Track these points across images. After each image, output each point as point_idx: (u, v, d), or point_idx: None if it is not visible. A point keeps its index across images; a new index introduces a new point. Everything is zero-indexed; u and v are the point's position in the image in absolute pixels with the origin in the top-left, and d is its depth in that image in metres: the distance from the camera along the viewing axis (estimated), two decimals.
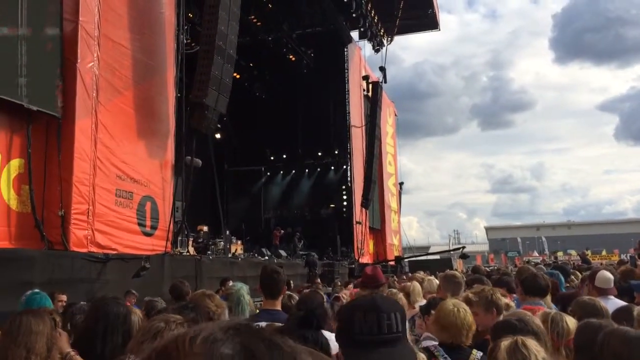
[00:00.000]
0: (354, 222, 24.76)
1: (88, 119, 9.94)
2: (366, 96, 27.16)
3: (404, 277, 13.37)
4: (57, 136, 9.30)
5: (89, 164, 9.88)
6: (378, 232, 28.73)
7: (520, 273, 5.60)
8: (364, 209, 25.19)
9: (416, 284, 5.66)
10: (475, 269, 9.36)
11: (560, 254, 46.96)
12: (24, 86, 8.59)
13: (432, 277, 6.74)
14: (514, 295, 5.02)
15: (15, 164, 8.91)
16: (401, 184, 33.98)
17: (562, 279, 6.61)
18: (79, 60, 9.75)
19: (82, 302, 4.70)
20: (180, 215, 12.98)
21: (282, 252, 20.76)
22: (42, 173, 9.23)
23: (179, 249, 12.75)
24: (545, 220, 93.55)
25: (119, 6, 11.01)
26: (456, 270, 9.68)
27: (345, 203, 27.42)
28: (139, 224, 11.18)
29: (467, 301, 3.32)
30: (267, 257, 17.29)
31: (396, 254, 29.79)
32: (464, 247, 24.19)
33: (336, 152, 27.97)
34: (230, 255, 15.76)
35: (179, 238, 12.99)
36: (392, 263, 26.63)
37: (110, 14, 10.70)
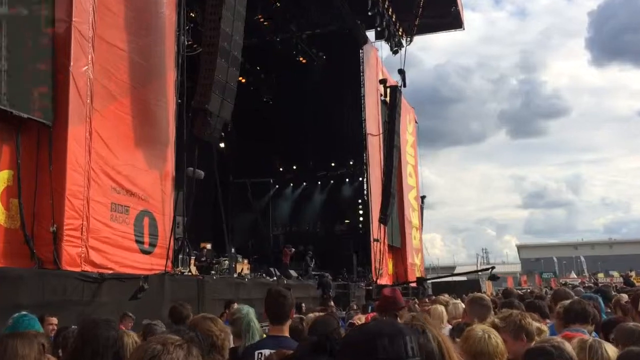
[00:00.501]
0: (372, 240, 24.82)
1: (82, 127, 10.03)
2: (384, 101, 27.20)
3: (427, 300, 13.51)
4: (48, 145, 9.36)
5: (83, 175, 9.96)
6: (398, 251, 28.75)
7: (556, 296, 5.52)
8: (382, 225, 25.25)
9: (439, 308, 5.62)
10: (506, 292, 9.25)
11: (601, 275, 46.50)
12: (8, 92, 8.64)
13: (458, 301, 6.68)
14: (548, 320, 4.95)
15: (4, 175, 8.97)
16: (423, 197, 33.99)
17: (603, 303, 6.51)
18: (72, 64, 9.85)
19: (73, 326, 4.70)
20: (181, 232, 13.07)
21: (293, 273, 20.82)
22: (33, 185, 9.28)
23: (179, 268, 12.82)
24: (583, 238, 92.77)
25: (115, 5, 11.09)
26: (485, 293, 9.57)
27: (361, 219, 27.52)
28: (137, 241, 11.26)
29: (494, 327, 3.29)
30: (275, 278, 17.30)
31: (418, 274, 29.79)
32: (493, 268, 23.93)
33: (351, 162, 28.12)
34: (235, 276, 15.85)
35: (180, 256, 13.07)
36: (413, 285, 26.65)
37: (106, 14, 10.77)
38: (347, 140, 27.26)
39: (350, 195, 28.60)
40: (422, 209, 33.19)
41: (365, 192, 26.79)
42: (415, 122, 34.56)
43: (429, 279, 29.60)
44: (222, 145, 25.12)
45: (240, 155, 27.50)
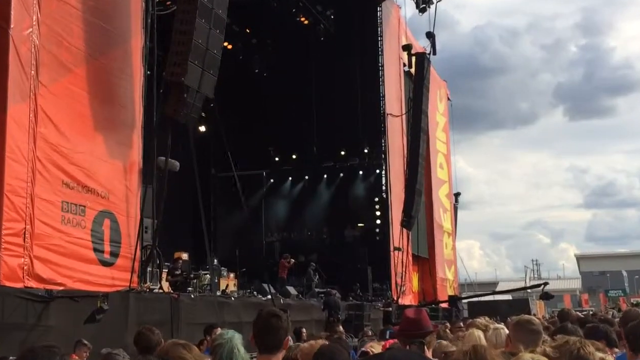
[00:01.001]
0: (391, 249, 24.92)
1: (24, 105, 10.04)
2: (407, 73, 27.50)
3: (461, 324, 13.37)
4: None
5: (26, 167, 9.95)
6: (425, 263, 28.82)
7: (626, 319, 5.49)
8: (405, 231, 25.25)
9: (476, 333, 5.60)
10: (562, 314, 9.20)
11: None
12: None
13: (501, 325, 6.66)
14: (616, 350, 4.94)
15: None
16: (457, 195, 33.85)
17: None
18: (12, 26, 9.85)
19: (12, 358, 4.73)
20: (151, 238, 13.16)
21: (292, 290, 20.99)
22: None
23: (148, 284, 12.90)
24: None
25: None
26: (535, 315, 9.54)
27: (378, 222, 27.52)
28: (95, 250, 11.31)
29: (545, 357, 3.28)
30: (270, 297, 17.22)
31: (450, 292, 29.82)
32: (546, 284, 23.72)
33: (366, 150, 28.14)
34: (219, 294, 15.96)
35: (149, 269, 13.13)
36: (444, 305, 26.69)
37: None
38: (361, 122, 26.90)
39: (365, 193, 28.60)
40: (455, 209, 33.12)
41: (383, 188, 26.81)
42: (448, 99, 34.38)
43: (464, 298, 29.58)
44: (202, 128, 25.18)
45: (225, 142, 26.99)
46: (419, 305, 23.69)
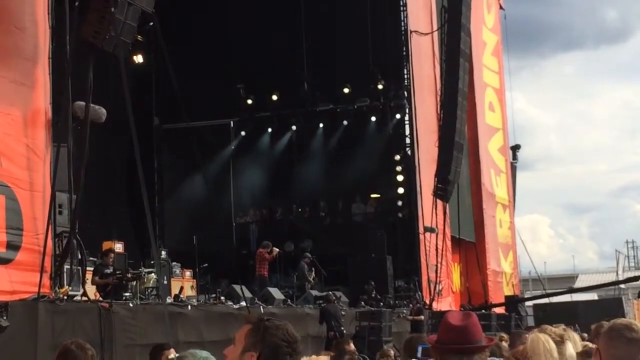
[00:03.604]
0: (421, 230, 25.11)
1: None
2: None
3: (526, 335, 13.42)
4: None
5: None
6: (471, 250, 28.86)
7: None
8: (440, 203, 25.45)
9: (541, 342, 5.61)
10: None
11: None
12: None
13: (582, 337, 6.71)
14: None
15: None
16: (516, 149, 33.65)
17: None
18: None
19: None
20: (68, 222, 13.15)
21: (276, 293, 20.89)
22: None
23: (66, 288, 12.77)
24: None
25: None
26: (633, 318, 9.57)
27: (401, 191, 27.55)
28: None
29: None
30: (244, 303, 17.36)
31: (508, 291, 29.64)
32: None
33: (380, 86, 27.92)
34: (170, 301, 15.85)
35: (67, 267, 13.05)
36: (499, 310, 26.65)
37: None
38: (373, 45, 26.80)
39: (381, 149, 28.52)
40: (514, 170, 32.83)
41: (407, 141, 27.15)
42: (500, 7, 34.37)
43: (529, 299, 29.61)
44: (139, 59, 25.29)
45: (173, 78, 26.29)
46: (464, 309, 22.31)
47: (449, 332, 4.73)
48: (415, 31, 25.97)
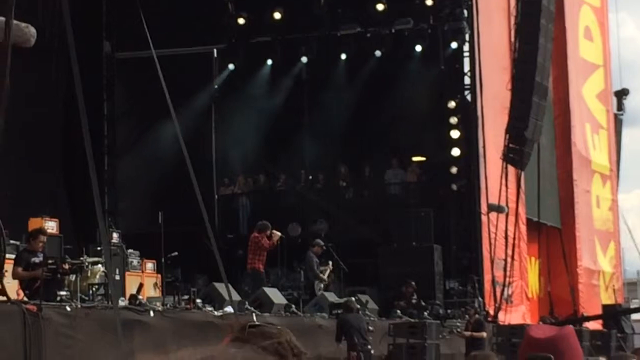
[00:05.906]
0: (483, 210, 24.30)
1: None
2: None
3: (633, 357, 13.80)
4: None
5: None
6: (555, 239, 26.85)
7: None
8: (512, 171, 24.38)
9: None
10: None
11: None
12: None
13: None
14: None
15: None
16: (622, 95, 30.33)
17: None
18: None
19: None
20: None
21: (275, 295, 20.53)
22: None
23: None
24: None
25: None
26: None
27: (456, 152, 26.09)
28: None
29: None
30: (229, 309, 17.39)
31: (606, 299, 27.22)
32: None
33: (429, 1, 26.86)
34: (124, 303, 16.04)
35: None
36: (594, 325, 25.01)
37: None
38: None
39: (428, 90, 27.15)
40: (619, 125, 30.04)
41: (467, 81, 25.83)
42: None
43: (636, 310, 27.32)
44: None
45: None
46: (549, 322, 23.32)
47: (533, 346, 5.84)
48: None
